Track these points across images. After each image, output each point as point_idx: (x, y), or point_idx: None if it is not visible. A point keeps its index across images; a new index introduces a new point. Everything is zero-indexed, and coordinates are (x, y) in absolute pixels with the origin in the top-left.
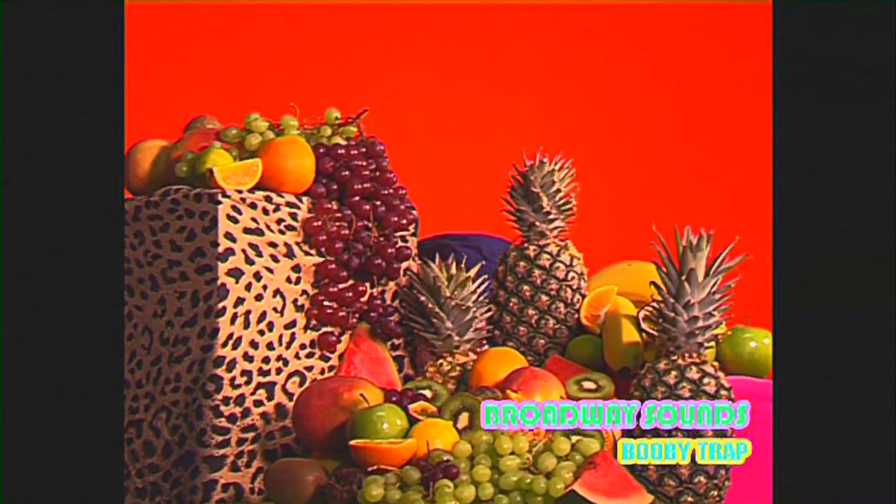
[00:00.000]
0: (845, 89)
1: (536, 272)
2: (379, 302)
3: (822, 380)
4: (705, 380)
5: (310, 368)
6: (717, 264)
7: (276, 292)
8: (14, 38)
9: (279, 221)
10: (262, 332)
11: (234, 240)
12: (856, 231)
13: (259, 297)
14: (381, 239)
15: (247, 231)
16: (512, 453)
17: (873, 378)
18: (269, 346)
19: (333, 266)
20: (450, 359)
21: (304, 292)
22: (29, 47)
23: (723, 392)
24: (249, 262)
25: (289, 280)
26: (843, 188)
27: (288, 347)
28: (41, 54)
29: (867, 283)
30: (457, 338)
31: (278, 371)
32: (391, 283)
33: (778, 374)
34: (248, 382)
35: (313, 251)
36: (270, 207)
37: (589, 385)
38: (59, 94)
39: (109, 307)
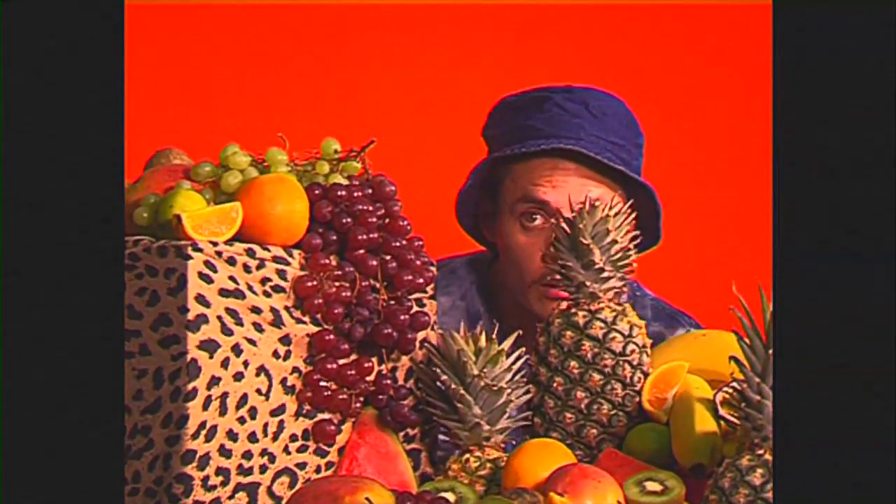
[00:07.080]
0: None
1: (587, 344)
2: (389, 382)
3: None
4: None
5: (302, 465)
6: None
7: (261, 370)
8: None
9: (264, 281)
10: (242, 420)
11: (207, 304)
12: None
13: (239, 377)
14: (392, 303)
15: (224, 293)
16: None
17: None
18: (252, 438)
19: (332, 337)
20: (478, 453)
21: (296, 370)
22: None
23: None
24: (227, 331)
25: (276, 354)
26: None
27: (275, 439)
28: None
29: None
30: (487, 427)
31: (263, 469)
32: (404, 359)
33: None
34: (224, 483)
35: (307, 318)
36: (253, 263)
37: (653, 487)
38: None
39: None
